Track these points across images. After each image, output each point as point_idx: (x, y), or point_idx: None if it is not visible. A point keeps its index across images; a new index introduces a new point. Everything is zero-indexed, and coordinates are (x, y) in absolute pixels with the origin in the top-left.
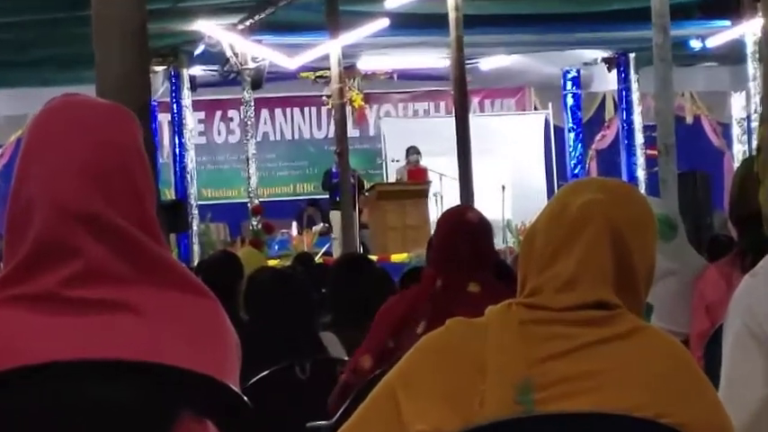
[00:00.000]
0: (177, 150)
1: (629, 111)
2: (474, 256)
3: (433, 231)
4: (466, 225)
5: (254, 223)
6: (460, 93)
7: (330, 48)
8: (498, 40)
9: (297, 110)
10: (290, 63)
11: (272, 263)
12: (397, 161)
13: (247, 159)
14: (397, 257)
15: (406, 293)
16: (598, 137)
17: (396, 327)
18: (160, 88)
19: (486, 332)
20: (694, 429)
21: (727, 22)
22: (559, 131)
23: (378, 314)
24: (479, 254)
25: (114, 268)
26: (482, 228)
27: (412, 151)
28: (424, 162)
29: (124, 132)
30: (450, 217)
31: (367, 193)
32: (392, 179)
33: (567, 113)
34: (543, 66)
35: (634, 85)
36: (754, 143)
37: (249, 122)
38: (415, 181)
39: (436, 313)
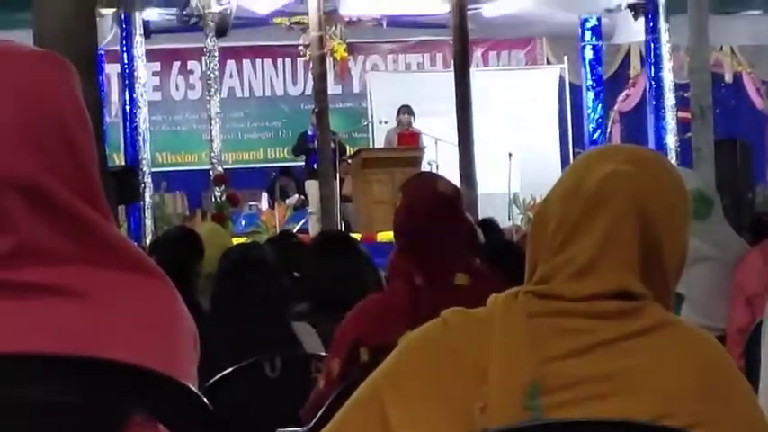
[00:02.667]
0: (128, 108)
1: (657, 66)
2: (457, 237)
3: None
4: (443, 199)
5: (218, 194)
6: (461, 43)
7: None
8: None
9: (269, 62)
10: (260, 6)
11: (236, 241)
12: (386, 123)
13: (210, 119)
14: (384, 236)
15: (377, 298)
16: (621, 97)
17: (369, 339)
18: (108, 34)
19: (488, 325)
20: None
21: None
22: (576, 90)
23: (345, 321)
24: (463, 233)
25: (53, 246)
26: (460, 201)
27: (403, 111)
28: (417, 124)
29: (61, 86)
30: (419, 190)
31: (350, 161)
32: (380, 144)
33: (585, 69)
34: (557, 12)
35: (664, 37)
36: None
37: (212, 76)
38: (407, 146)
39: (420, 318)
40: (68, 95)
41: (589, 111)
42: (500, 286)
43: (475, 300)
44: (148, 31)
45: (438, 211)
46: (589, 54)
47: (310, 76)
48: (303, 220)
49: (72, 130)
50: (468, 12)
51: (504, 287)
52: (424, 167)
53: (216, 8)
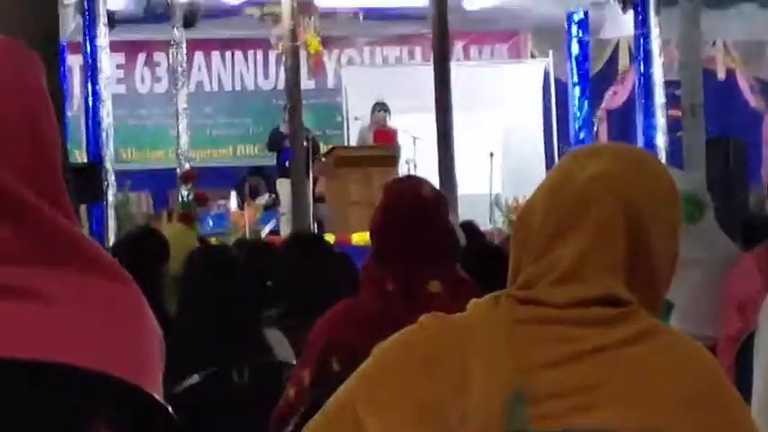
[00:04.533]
0: (90, 101)
1: (647, 62)
2: (434, 246)
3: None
4: (421, 204)
5: (185, 193)
6: (440, 36)
7: None
8: None
9: (239, 54)
10: None
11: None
12: (361, 119)
13: (177, 114)
14: (359, 237)
15: (349, 304)
16: (609, 94)
17: (340, 348)
18: (70, 24)
19: (468, 331)
20: None
21: None
22: (562, 86)
23: (316, 328)
24: (441, 241)
25: (12, 247)
26: (441, 206)
27: (378, 108)
28: (395, 121)
29: (25, 77)
30: (398, 194)
31: (323, 159)
32: (355, 142)
33: (571, 64)
34: (543, 5)
35: (654, 31)
36: None
37: (180, 68)
38: (383, 144)
39: (393, 326)
40: (34, 86)
41: (575, 108)
42: (477, 293)
43: (448, 308)
44: (113, 20)
45: (417, 217)
46: (575, 49)
47: (282, 69)
48: (274, 221)
49: (37, 123)
50: (449, 3)
51: (481, 294)
52: (402, 167)
53: None
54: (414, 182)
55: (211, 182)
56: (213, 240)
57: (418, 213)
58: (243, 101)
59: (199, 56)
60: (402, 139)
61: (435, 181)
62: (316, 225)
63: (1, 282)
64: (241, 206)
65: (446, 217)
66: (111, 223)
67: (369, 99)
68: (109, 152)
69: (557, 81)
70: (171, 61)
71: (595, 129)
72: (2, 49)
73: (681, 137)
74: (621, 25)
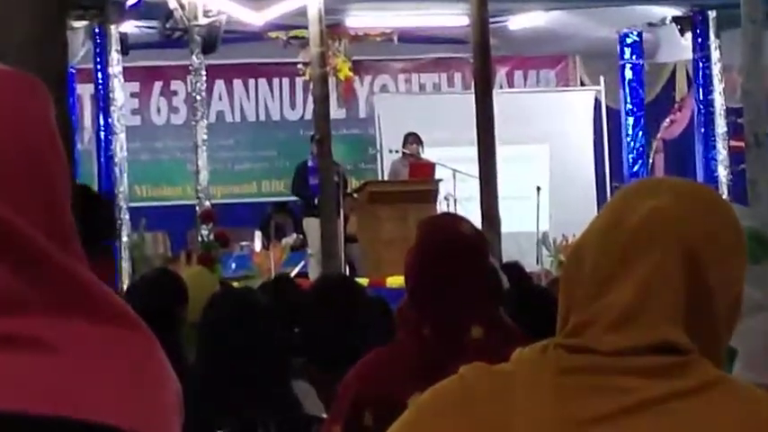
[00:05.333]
0: (102, 134)
1: (706, 88)
2: (473, 287)
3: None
4: (461, 242)
5: (204, 233)
6: (483, 61)
7: None
8: None
9: (263, 82)
10: (254, 18)
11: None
12: (396, 152)
13: (196, 147)
14: (394, 281)
15: (382, 352)
16: (666, 122)
17: (373, 400)
18: (80, 50)
19: (513, 384)
20: None
21: None
22: (614, 114)
23: (347, 379)
24: (480, 283)
25: (17, 293)
26: (481, 245)
27: (411, 139)
28: (432, 153)
29: (32, 110)
30: (434, 231)
31: (355, 195)
32: (389, 176)
33: (624, 91)
34: (593, 27)
35: (714, 55)
36: None
37: (199, 97)
38: (420, 178)
39: (430, 375)
40: (41, 120)
41: (629, 138)
42: (520, 339)
43: (489, 355)
44: (126, 46)
45: (454, 256)
46: (629, 74)
47: (310, 98)
48: (302, 263)
49: (45, 160)
50: (492, 25)
51: (526, 340)
52: (441, 203)
53: (203, 20)
54: (451, 218)
55: (233, 220)
56: (236, 284)
57: (455, 252)
58: (267, 132)
59: (219, 84)
60: (441, 173)
61: (477, 218)
62: (347, 267)
63: (2, 331)
64: (266, 247)
65: (486, 256)
66: (125, 266)
67: (404, 129)
68: (122, 189)
69: (608, 109)
70: (189, 90)
71: (651, 161)
72: (7, 83)
73: (744, 170)
74: (679, 48)
